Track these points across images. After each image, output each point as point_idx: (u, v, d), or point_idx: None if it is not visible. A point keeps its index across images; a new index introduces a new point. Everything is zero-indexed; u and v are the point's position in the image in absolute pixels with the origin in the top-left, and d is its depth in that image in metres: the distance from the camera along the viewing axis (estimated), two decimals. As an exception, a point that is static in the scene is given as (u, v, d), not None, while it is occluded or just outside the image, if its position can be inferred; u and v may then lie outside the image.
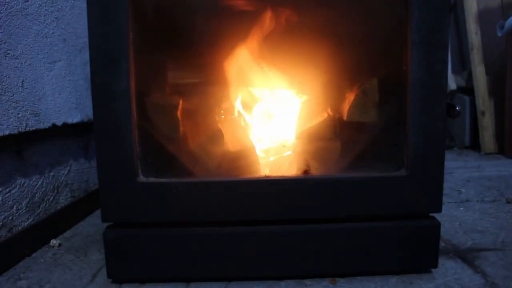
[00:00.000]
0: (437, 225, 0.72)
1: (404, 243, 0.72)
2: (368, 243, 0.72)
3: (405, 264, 0.73)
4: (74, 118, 1.08)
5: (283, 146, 0.90)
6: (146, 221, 0.71)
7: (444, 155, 0.71)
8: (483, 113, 2.04)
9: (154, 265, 0.71)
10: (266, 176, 0.72)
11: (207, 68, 0.82)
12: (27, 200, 0.89)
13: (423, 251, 0.72)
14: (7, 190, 0.83)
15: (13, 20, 0.84)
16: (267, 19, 0.81)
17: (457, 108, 0.69)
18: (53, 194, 1.00)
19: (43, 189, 0.95)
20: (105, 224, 0.72)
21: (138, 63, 0.69)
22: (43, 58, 0.94)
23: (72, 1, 1.08)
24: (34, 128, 0.89)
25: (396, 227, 0.72)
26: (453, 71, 2.24)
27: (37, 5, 0.93)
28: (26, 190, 0.89)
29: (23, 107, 0.86)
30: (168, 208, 0.70)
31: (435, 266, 0.73)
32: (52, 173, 1.00)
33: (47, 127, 0.95)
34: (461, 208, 1.12)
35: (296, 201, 0.70)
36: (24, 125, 0.86)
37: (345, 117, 0.81)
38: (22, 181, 0.88)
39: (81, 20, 1.12)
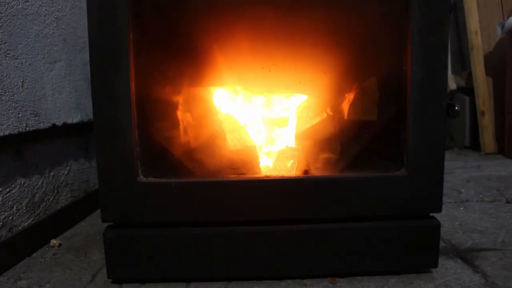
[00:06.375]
0: (437, 225, 0.72)
1: (404, 243, 0.72)
2: (368, 243, 0.72)
3: (405, 264, 0.73)
4: (74, 118, 1.08)
5: (283, 146, 0.90)
6: (146, 221, 0.71)
7: (444, 155, 0.71)
8: (483, 113, 2.04)
9: (154, 265, 0.71)
10: (266, 176, 0.72)
11: (207, 68, 0.82)
12: (27, 200, 0.89)
13: (423, 251, 0.72)
14: (7, 190, 0.83)
15: (13, 20, 0.84)
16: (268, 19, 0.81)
17: (456, 108, 0.69)
18: (53, 194, 1.00)
19: (43, 189, 0.95)
20: (105, 224, 0.72)
21: (138, 63, 0.69)
22: (43, 58, 0.95)
23: (72, 1, 1.09)
24: (34, 128, 0.89)
25: (396, 227, 0.72)
26: (453, 71, 2.25)
27: (37, 5, 0.93)
28: (26, 190, 0.89)
29: (23, 107, 0.86)
30: (168, 208, 0.70)
31: (435, 266, 0.73)
32: (52, 173, 1.00)
33: (47, 127, 0.95)
34: (461, 208, 1.13)
35: (296, 201, 0.70)
36: (24, 125, 0.86)
37: (345, 116, 0.81)
38: (22, 181, 0.88)
39: (81, 20, 1.12)
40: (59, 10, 1.02)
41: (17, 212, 0.85)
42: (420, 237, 0.72)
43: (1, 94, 0.79)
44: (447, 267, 0.76)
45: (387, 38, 0.76)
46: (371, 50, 0.80)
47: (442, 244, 0.86)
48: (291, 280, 0.72)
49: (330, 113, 0.85)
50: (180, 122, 0.79)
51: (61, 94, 1.02)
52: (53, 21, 0.99)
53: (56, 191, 1.01)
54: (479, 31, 2.04)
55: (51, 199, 0.99)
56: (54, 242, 0.91)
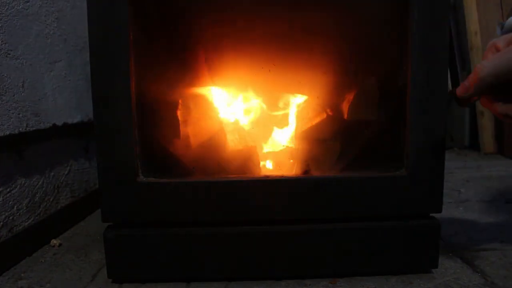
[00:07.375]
0: (437, 225, 0.72)
1: (404, 243, 0.72)
2: (368, 243, 0.72)
3: (405, 264, 0.73)
4: (74, 118, 1.08)
5: (283, 146, 0.90)
6: (146, 221, 0.71)
7: (444, 155, 0.71)
8: (482, 113, 2.04)
9: (154, 265, 0.71)
10: (266, 176, 0.72)
11: (207, 68, 0.82)
12: (27, 200, 0.89)
13: (423, 251, 0.72)
14: (8, 190, 0.83)
15: (14, 20, 0.84)
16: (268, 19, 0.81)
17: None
18: (54, 194, 1.00)
19: (43, 189, 0.95)
20: (105, 224, 0.72)
21: (138, 63, 0.69)
22: (43, 58, 0.95)
23: (73, 1, 1.09)
24: (34, 128, 0.89)
25: (396, 227, 0.72)
26: (453, 71, 2.24)
27: (38, 6, 0.93)
28: (26, 190, 0.89)
29: (24, 107, 0.86)
30: (168, 208, 0.70)
31: (435, 266, 0.73)
32: (53, 173, 1.00)
33: (47, 127, 0.95)
34: (461, 208, 1.13)
35: (296, 201, 0.70)
36: (25, 125, 0.86)
37: (345, 116, 0.81)
38: (23, 181, 0.88)
39: (81, 20, 1.12)
40: (60, 10, 1.02)
41: (17, 212, 0.85)
42: (420, 237, 0.72)
43: (2, 94, 0.79)
44: (447, 267, 0.76)
45: (387, 38, 0.76)
46: (371, 50, 0.80)
47: (441, 244, 0.86)
48: (291, 280, 0.72)
49: (330, 113, 0.85)
50: (180, 122, 0.79)
51: (61, 94, 1.02)
52: (53, 21, 0.99)
53: (56, 191, 1.01)
54: (479, 31, 2.04)
55: (51, 199, 0.99)
56: (54, 242, 0.91)
